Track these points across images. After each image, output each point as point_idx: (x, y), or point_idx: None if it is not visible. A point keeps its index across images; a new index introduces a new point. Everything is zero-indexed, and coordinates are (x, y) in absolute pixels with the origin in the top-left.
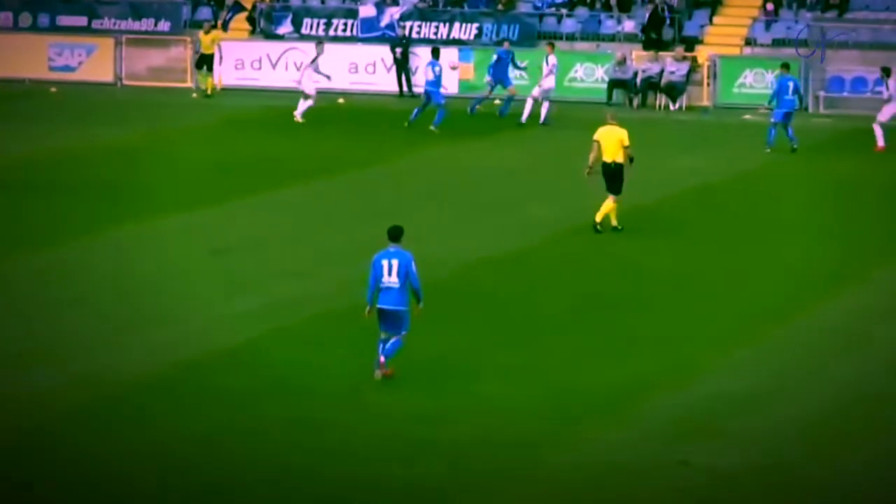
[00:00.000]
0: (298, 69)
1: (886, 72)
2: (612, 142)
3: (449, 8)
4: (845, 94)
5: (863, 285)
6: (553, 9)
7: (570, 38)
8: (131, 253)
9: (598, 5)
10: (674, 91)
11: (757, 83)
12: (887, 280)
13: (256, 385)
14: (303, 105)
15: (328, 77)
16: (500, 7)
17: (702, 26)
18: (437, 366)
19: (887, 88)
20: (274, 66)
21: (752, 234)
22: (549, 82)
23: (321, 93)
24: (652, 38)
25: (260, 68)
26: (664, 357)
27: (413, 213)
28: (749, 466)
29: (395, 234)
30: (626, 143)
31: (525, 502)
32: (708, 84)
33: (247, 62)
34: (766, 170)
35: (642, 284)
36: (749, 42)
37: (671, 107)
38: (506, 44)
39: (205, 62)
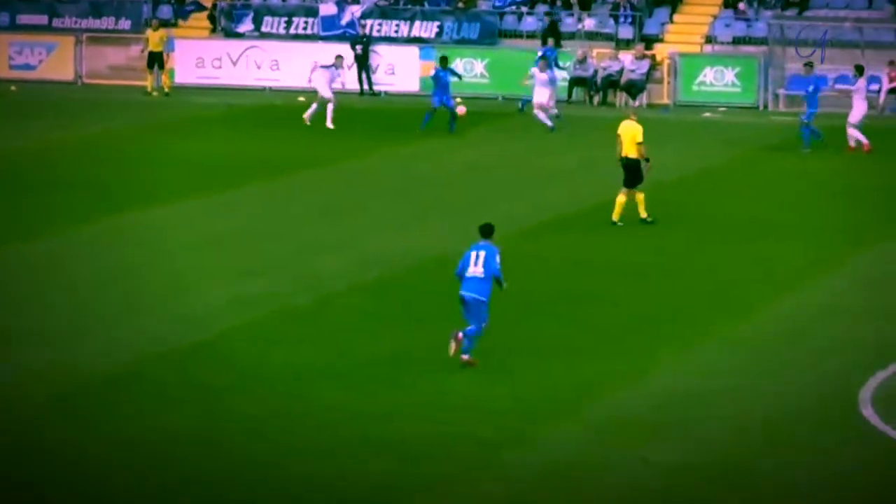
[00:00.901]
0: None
1: (859, 70)
2: (628, 137)
3: (409, 6)
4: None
5: (825, 283)
6: (513, 7)
7: (531, 36)
8: (90, 251)
9: (558, 3)
10: (634, 89)
11: (717, 81)
12: (849, 278)
13: (218, 381)
14: (314, 108)
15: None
16: (460, 5)
17: (662, 24)
18: (397, 362)
19: (853, 84)
20: (234, 64)
21: (714, 230)
22: (540, 95)
23: (276, 91)
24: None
25: (220, 67)
26: (625, 353)
27: (376, 209)
28: (709, 463)
29: (486, 231)
30: (639, 139)
31: (483, 499)
32: (668, 82)
33: (207, 60)
34: (727, 167)
35: (604, 280)
36: (709, 40)
37: (631, 104)
38: (550, 41)
39: (155, 60)
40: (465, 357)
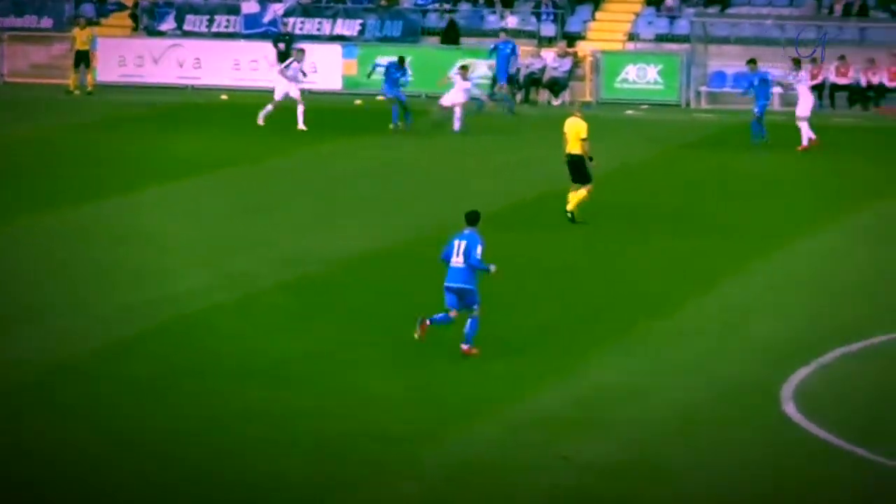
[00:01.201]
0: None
1: (797, 63)
2: (572, 134)
3: (332, 4)
4: (727, 88)
5: (745, 280)
6: (436, 5)
7: None
8: (28, 246)
9: (480, 1)
10: (556, 86)
11: (639, 78)
12: (766, 274)
13: (146, 379)
14: (299, 112)
15: (302, 75)
16: (383, 3)
17: (584, 22)
18: (315, 360)
19: (795, 77)
20: (157, 62)
21: (636, 228)
22: (455, 97)
23: (198, 89)
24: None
25: (142, 65)
26: (548, 351)
27: (299, 207)
28: (630, 462)
29: (471, 219)
30: (583, 135)
31: (400, 499)
32: (590, 79)
33: (129, 59)
34: (650, 164)
35: (525, 279)
36: (632, 37)
37: (554, 102)
38: (502, 35)
39: (81, 59)
40: (465, 347)
